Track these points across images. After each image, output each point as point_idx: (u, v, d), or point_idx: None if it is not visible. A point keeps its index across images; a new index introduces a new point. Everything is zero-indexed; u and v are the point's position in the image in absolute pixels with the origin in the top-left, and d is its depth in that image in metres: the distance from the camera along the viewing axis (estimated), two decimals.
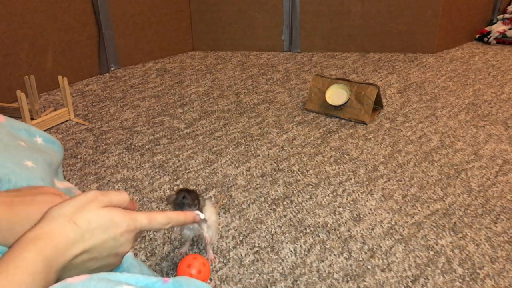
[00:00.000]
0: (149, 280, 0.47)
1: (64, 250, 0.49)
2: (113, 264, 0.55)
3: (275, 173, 1.17)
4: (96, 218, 0.53)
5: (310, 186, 1.11)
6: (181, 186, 1.12)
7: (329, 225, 0.98)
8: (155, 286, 0.47)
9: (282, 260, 0.89)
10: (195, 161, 1.23)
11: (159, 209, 1.04)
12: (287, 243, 0.93)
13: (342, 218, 1.00)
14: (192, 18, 2.06)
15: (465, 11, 2.07)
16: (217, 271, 0.86)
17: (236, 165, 1.20)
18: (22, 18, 1.56)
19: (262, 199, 1.07)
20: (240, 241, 0.94)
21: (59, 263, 0.49)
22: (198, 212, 0.67)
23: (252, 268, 0.87)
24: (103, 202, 0.55)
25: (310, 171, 1.17)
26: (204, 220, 0.81)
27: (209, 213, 0.85)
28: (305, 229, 0.97)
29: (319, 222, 0.99)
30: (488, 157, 1.23)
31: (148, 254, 0.90)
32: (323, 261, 0.88)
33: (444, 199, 1.06)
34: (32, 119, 1.36)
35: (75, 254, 0.50)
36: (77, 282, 0.45)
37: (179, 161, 1.23)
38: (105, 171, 1.19)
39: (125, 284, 0.45)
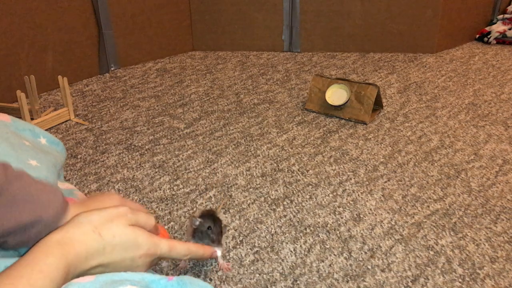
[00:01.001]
0: (154, 277, 0.47)
1: (84, 258, 0.50)
2: None
3: (275, 173, 1.17)
4: (120, 234, 0.53)
5: (310, 186, 1.11)
6: (181, 186, 1.12)
7: (329, 225, 0.98)
8: (160, 283, 0.47)
9: (282, 260, 0.89)
10: (195, 161, 1.23)
11: (159, 208, 1.04)
12: (287, 243, 0.93)
13: (342, 218, 1.00)
14: (192, 18, 2.06)
15: (465, 11, 2.07)
16: (217, 271, 0.86)
17: (236, 165, 1.20)
18: (22, 18, 1.56)
19: (262, 199, 1.07)
20: (240, 241, 0.94)
21: (76, 271, 0.49)
22: (216, 249, 0.68)
23: (252, 268, 0.87)
24: (131, 220, 0.55)
25: (310, 171, 1.17)
26: (220, 245, 0.82)
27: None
28: (305, 229, 0.97)
29: (319, 222, 0.99)
30: (488, 157, 1.23)
31: None
32: (323, 261, 0.88)
33: (444, 199, 1.06)
34: (32, 119, 1.36)
35: (92, 265, 0.50)
36: (84, 282, 0.45)
37: (179, 161, 1.23)
38: (105, 171, 1.19)
39: (129, 283, 0.45)
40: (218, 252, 0.79)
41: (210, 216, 0.80)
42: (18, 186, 0.59)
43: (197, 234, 0.79)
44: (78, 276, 0.49)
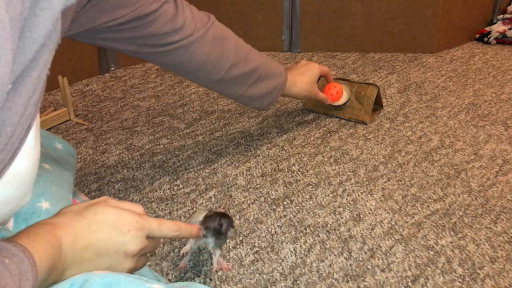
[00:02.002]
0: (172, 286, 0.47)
1: (73, 239, 0.50)
2: (124, 268, 0.54)
3: (275, 173, 1.17)
4: (102, 211, 0.53)
5: (310, 186, 1.11)
6: (181, 186, 1.12)
7: (329, 225, 0.98)
8: None
9: (282, 260, 0.89)
10: (195, 161, 1.23)
11: (159, 208, 1.04)
12: (287, 243, 0.93)
13: (342, 218, 1.00)
14: None
15: (465, 11, 2.07)
16: (217, 271, 0.86)
17: (236, 165, 1.21)
18: None
19: (262, 199, 1.07)
20: (240, 241, 0.94)
21: (68, 253, 0.49)
22: (201, 227, 0.68)
23: (252, 268, 0.87)
24: (112, 203, 0.56)
25: (310, 171, 1.17)
26: (221, 248, 0.81)
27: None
28: (305, 229, 0.97)
29: (319, 222, 0.99)
30: (488, 157, 1.23)
31: (148, 254, 0.90)
32: (323, 261, 0.88)
33: (444, 199, 1.06)
34: None
35: (83, 245, 0.51)
36: (106, 273, 0.45)
37: (179, 161, 1.23)
38: (105, 171, 1.19)
39: (155, 283, 0.46)
40: (217, 252, 0.79)
41: (221, 213, 0.80)
42: (262, 62, 1.07)
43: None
44: (72, 259, 0.49)
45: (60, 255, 0.47)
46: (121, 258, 0.53)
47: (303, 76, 1.20)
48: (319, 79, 1.31)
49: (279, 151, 1.27)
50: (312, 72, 1.22)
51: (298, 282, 0.84)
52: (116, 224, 0.52)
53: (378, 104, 1.47)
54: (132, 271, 0.55)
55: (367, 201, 1.06)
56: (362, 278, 0.84)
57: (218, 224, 0.77)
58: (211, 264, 0.86)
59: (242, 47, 1.05)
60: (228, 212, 1.02)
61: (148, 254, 0.67)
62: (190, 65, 0.96)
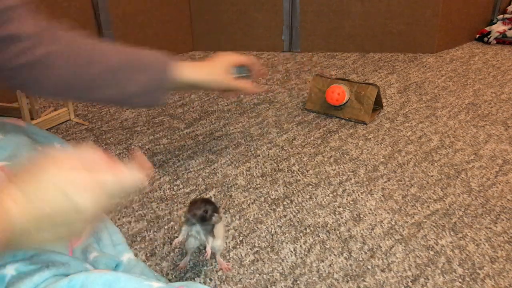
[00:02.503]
0: (170, 286, 0.47)
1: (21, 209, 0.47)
2: (74, 220, 0.50)
3: (275, 173, 1.17)
4: (47, 176, 0.50)
5: (310, 186, 1.11)
6: (181, 186, 1.12)
7: (329, 225, 0.98)
8: None
9: (282, 260, 0.89)
10: (195, 161, 1.23)
11: (159, 208, 1.04)
12: (287, 243, 0.93)
13: (342, 218, 1.00)
14: (192, 18, 2.06)
15: (465, 11, 2.07)
16: (217, 271, 0.86)
17: (236, 165, 1.21)
18: None
19: (262, 199, 1.07)
20: (240, 241, 0.94)
21: (17, 225, 0.46)
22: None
23: (252, 268, 0.87)
24: (57, 163, 0.53)
25: (310, 171, 1.17)
26: (212, 235, 0.81)
27: (217, 229, 0.83)
28: (305, 229, 0.97)
29: (319, 222, 0.99)
30: (488, 157, 1.23)
31: (148, 254, 0.90)
32: (323, 261, 0.89)
33: (444, 199, 1.06)
34: (32, 119, 1.36)
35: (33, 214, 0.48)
36: (105, 272, 0.45)
37: (179, 161, 1.23)
38: None
39: (154, 281, 0.45)
40: (209, 239, 0.79)
41: (206, 199, 0.80)
42: (125, 57, 0.87)
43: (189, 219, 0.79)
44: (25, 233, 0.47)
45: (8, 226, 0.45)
46: (75, 217, 0.49)
47: (207, 64, 1.05)
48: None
49: (279, 151, 1.27)
50: (222, 60, 1.07)
51: (298, 282, 0.84)
52: (64, 188, 0.49)
53: (378, 104, 1.47)
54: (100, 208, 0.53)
55: (367, 201, 1.06)
56: (362, 278, 0.84)
57: (204, 211, 0.77)
58: (215, 263, 0.86)
59: (94, 47, 0.87)
60: (227, 211, 1.02)
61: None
62: (49, 84, 0.79)
